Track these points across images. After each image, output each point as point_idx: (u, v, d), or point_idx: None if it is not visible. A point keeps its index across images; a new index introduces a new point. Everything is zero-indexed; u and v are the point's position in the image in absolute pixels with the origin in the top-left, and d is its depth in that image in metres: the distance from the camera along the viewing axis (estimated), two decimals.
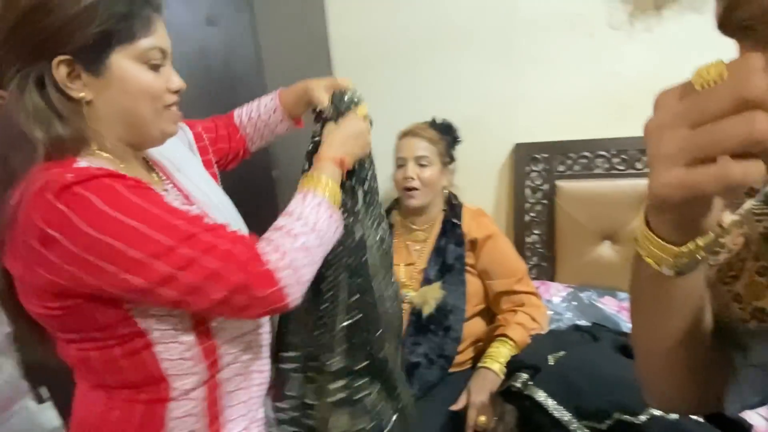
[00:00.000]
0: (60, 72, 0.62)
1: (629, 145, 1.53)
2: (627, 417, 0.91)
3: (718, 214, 0.35)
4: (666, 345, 0.45)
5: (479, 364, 1.26)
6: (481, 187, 1.74)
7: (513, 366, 1.13)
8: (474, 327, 1.37)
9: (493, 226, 1.42)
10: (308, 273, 0.74)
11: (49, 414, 1.45)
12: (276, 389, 0.90)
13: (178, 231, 0.63)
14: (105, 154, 0.68)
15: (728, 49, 0.36)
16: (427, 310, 1.29)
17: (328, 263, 0.88)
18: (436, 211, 1.44)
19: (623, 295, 1.51)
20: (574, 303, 1.51)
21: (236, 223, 0.88)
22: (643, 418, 0.90)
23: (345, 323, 0.94)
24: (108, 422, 0.71)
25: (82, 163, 0.63)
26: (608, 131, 1.55)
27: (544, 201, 1.66)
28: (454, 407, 1.21)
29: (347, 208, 0.91)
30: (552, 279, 1.68)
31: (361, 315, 0.94)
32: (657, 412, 0.90)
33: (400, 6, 1.67)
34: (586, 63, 1.54)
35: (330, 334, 0.93)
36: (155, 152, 0.82)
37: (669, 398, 0.53)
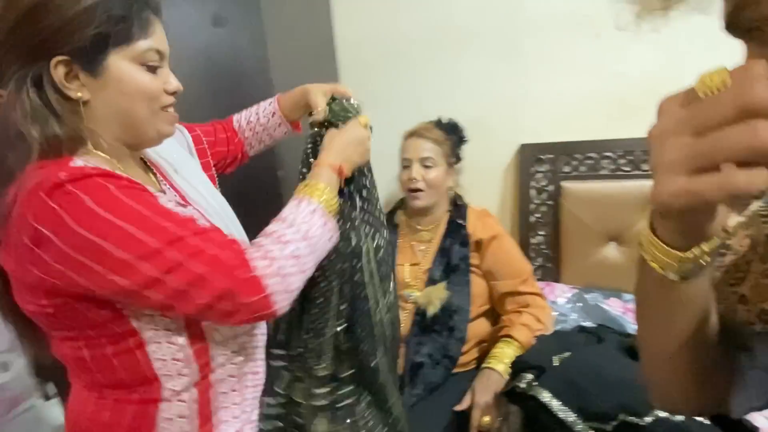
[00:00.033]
0: (58, 72, 0.62)
1: (635, 145, 1.52)
2: (632, 418, 0.91)
3: (723, 218, 0.35)
4: (671, 347, 0.45)
5: (484, 365, 1.25)
6: (486, 187, 1.74)
7: (518, 366, 1.13)
8: (478, 328, 1.37)
9: (498, 226, 1.42)
10: (297, 281, 0.73)
11: (55, 411, 1.47)
12: (265, 384, 0.90)
13: (167, 233, 0.63)
14: (102, 154, 0.68)
15: (735, 50, 0.36)
16: (432, 310, 1.30)
17: (321, 268, 0.87)
18: (442, 211, 1.44)
19: (628, 296, 1.50)
20: (579, 304, 1.51)
21: (233, 225, 0.88)
22: (648, 419, 0.90)
23: (335, 330, 0.94)
24: (99, 423, 0.71)
25: (78, 162, 0.63)
26: (614, 132, 1.54)
27: (550, 202, 1.65)
28: (459, 407, 1.21)
29: (344, 214, 0.91)
30: (557, 280, 1.68)
31: (353, 323, 0.94)
32: (662, 414, 0.90)
33: (406, 7, 1.67)
34: (592, 63, 1.54)
35: (319, 339, 0.93)
36: (153, 153, 0.83)
37: (674, 400, 0.52)
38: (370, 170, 0.97)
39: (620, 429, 0.91)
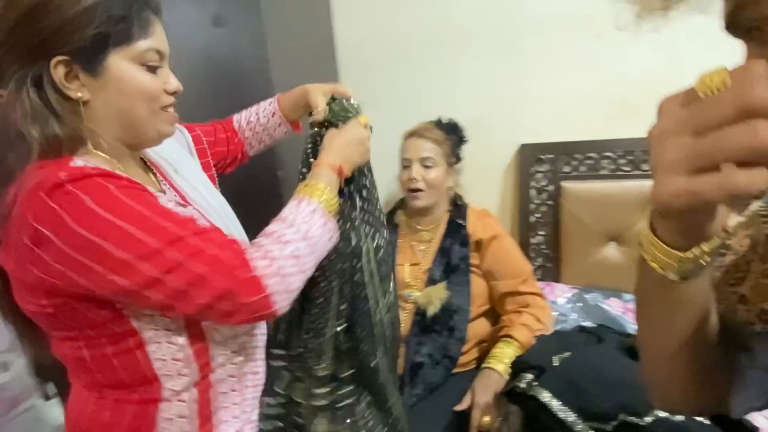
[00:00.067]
0: (58, 72, 0.62)
1: (635, 145, 1.52)
2: (632, 418, 0.91)
3: (723, 218, 0.35)
4: (671, 347, 0.45)
5: (484, 365, 1.25)
6: (486, 187, 1.74)
7: (518, 366, 1.13)
8: (478, 328, 1.37)
9: (498, 226, 1.42)
10: (297, 281, 0.73)
11: (55, 411, 1.47)
12: (265, 384, 0.91)
13: (167, 233, 0.63)
14: (102, 154, 0.68)
15: (735, 50, 0.36)
16: (432, 310, 1.30)
17: (321, 268, 0.87)
18: (442, 211, 1.44)
19: (628, 296, 1.50)
20: (579, 304, 1.51)
21: (233, 224, 0.88)
22: (648, 419, 0.90)
23: (335, 330, 0.94)
24: (99, 423, 0.71)
25: (78, 162, 0.63)
26: (614, 132, 1.54)
27: (550, 202, 1.65)
28: (459, 407, 1.21)
29: (344, 214, 0.91)
30: (557, 280, 1.68)
31: (352, 323, 0.94)
32: (662, 414, 0.90)
33: (406, 7, 1.67)
34: (592, 63, 1.54)
35: (319, 339, 0.93)
36: (153, 153, 0.83)
37: (674, 400, 0.52)
38: (370, 170, 0.97)
39: (620, 429, 0.91)
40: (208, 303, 0.64)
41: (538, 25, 1.56)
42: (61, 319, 0.66)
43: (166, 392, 0.71)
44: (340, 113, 0.91)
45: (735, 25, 0.34)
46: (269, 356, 0.96)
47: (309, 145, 0.94)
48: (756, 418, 0.96)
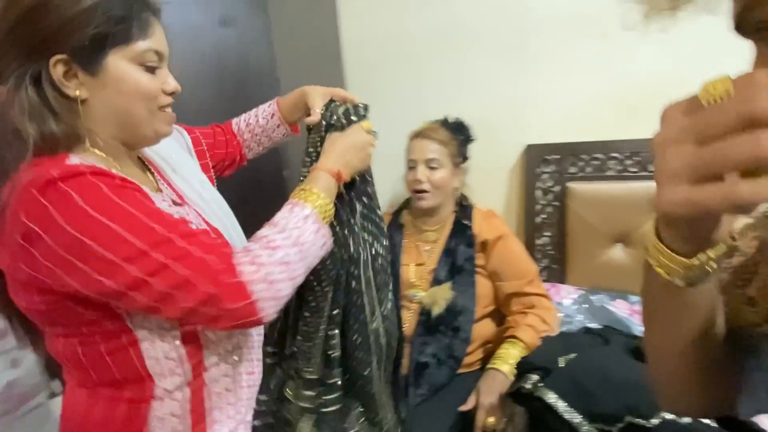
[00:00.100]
0: (57, 70, 0.63)
1: (642, 146, 1.51)
2: (638, 420, 0.90)
3: (730, 224, 0.35)
4: (678, 349, 0.45)
5: (488, 366, 1.25)
6: (491, 188, 1.74)
7: (523, 367, 1.13)
8: (483, 328, 1.37)
9: (504, 227, 1.41)
10: (286, 288, 0.71)
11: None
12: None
13: (154, 235, 0.62)
14: (98, 152, 0.68)
15: (744, 50, 0.36)
16: (437, 310, 1.30)
17: (316, 272, 0.87)
18: (447, 212, 1.44)
19: (635, 298, 1.49)
20: (585, 306, 1.50)
21: (231, 224, 0.88)
22: (654, 421, 0.89)
23: (326, 335, 0.93)
24: (91, 420, 0.71)
25: (74, 159, 0.63)
26: (621, 133, 1.53)
27: (556, 203, 1.65)
28: (463, 408, 1.21)
29: (342, 220, 0.90)
30: (563, 281, 1.67)
31: (347, 330, 0.94)
32: (669, 416, 0.89)
33: (412, 8, 1.67)
34: (598, 63, 1.53)
35: (308, 342, 0.93)
36: (151, 152, 0.83)
37: (681, 402, 0.52)
38: (371, 177, 0.96)
39: (626, 431, 0.91)
40: (192, 307, 0.64)
41: (545, 25, 1.55)
42: (54, 316, 0.66)
43: (159, 391, 0.71)
44: (342, 116, 0.90)
45: (744, 25, 0.34)
46: (264, 354, 0.96)
47: (310, 148, 0.93)
48: (763, 420, 0.95)
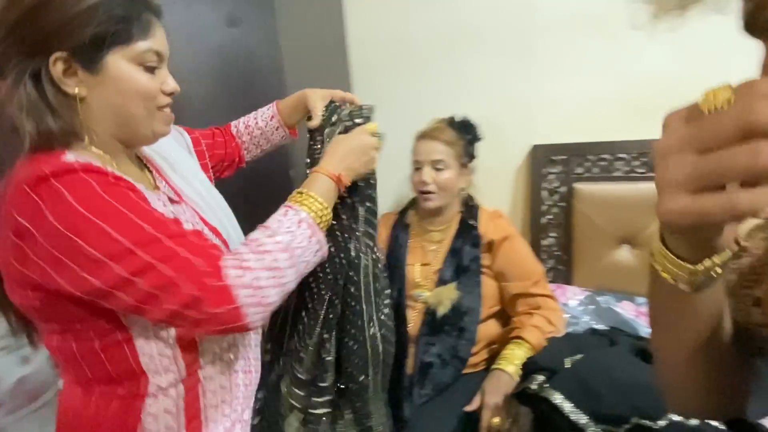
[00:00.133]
0: (57, 68, 0.63)
1: (650, 147, 1.49)
2: (645, 422, 0.90)
3: (735, 230, 0.34)
4: (685, 352, 0.45)
5: (494, 366, 1.25)
6: (497, 188, 1.74)
7: (529, 368, 1.12)
8: (489, 329, 1.37)
9: (510, 227, 1.41)
10: (274, 294, 0.69)
11: None
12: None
13: (142, 234, 0.62)
14: (96, 150, 0.69)
15: (753, 50, 0.35)
16: (442, 310, 1.29)
17: (315, 274, 0.86)
18: (453, 212, 1.44)
19: (641, 299, 1.49)
20: (591, 307, 1.50)
21: (230, 223, 0.88)
22: (662, 423, 0.89)
23: (321, 338, 0.93)
24: (85, 417, 0.72)
25: (70, 156, 0.63)
26: (628, 133, 1.53)
27: (562, 203, 1.64)
28: (468, 408, 1.20)
29: (343, 224, 0.89)
30: (569, 282, 1.67)
31: (343, 335, 0.93)
32: (676, 417, 0.89)
33: (418, 7, 1.67)
34: (606, 64, 1.52)
35: (302, 343, 0.93)
36: (150, 150, 0.83)
37: (689, 404, 0.52)
38: (375, 180, 0.95)
39: None
40: (175, 309, 0.63)
41: (551, 25, 1.55)
42: (49, 312, 0.66)
43: (153, 387, 0.71)
44: (348, 118, 0.89)
45: (754, 25, 0.34)
46: (263, 351, 0.96)
47: (312, 150, 0.93)
48: None
